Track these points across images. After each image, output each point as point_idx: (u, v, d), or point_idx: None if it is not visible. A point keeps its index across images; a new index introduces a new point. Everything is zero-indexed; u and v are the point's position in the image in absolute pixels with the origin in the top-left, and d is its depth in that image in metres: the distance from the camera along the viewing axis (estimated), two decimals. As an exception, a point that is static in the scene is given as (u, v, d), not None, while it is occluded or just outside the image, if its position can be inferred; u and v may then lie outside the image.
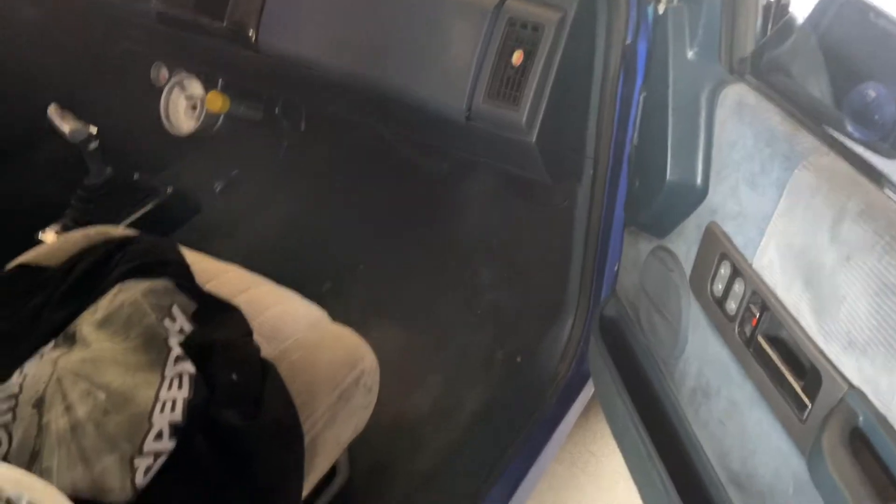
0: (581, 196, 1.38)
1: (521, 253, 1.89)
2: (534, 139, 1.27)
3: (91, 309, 1.05)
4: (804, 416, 0.75)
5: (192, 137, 1.82)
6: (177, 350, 0.99)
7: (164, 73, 1.92)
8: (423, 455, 1.43)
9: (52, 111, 1.66)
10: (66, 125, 1.65)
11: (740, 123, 0.93)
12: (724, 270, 0.92)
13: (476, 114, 1.29)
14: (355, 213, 1.99)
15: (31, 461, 0.86)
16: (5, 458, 0.86)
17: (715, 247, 0.95)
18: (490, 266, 1.85)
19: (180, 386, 0.95)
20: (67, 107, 1.68)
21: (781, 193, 0.82)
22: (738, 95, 0.96)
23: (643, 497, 1.14)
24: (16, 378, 0.95)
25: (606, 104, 1.27)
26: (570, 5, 1.21)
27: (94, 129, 1.69)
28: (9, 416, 0.90)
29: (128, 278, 1.10)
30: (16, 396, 0.92)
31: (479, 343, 1.67)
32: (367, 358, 1.15)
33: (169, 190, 1.95)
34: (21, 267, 1.16)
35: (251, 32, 1.49)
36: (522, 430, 1.43)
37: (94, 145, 1.71)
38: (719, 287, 0.93)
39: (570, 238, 1.44)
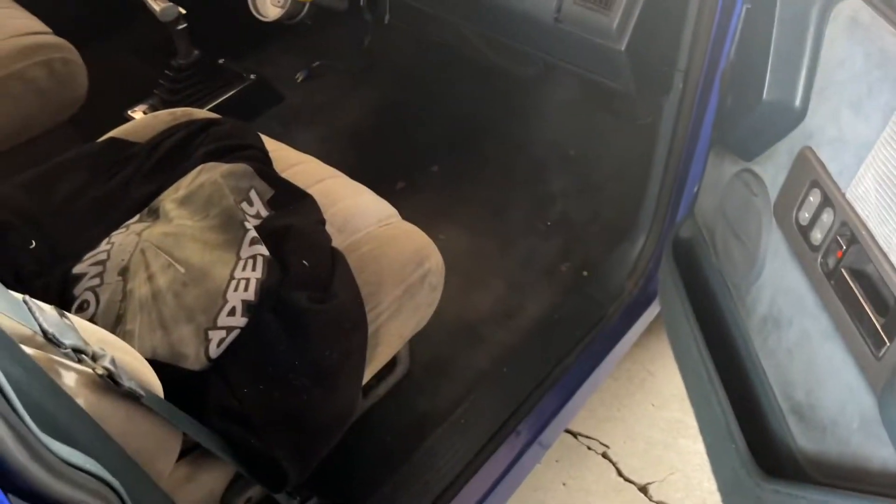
0: (667, 111, 1.33)
1: (598, 165, 1.85)
2: (624, 47, 1.22)
3: (174, 186, 1.09)
4: (881, 354, 0.72)
5: (277, 24, 1.82)
6: (252, 233, 1.02)
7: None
8: (480, 355, 1.46)
9: (145, -13, 1.67)
10: (157, 3, 1.67)
11: (851, 42, 0.86)
12: (814, 198, 0.88)
13: (566, 15, 1.24)
14: (434, 113, 1.97)
15: (115, 323, 0.92)
16: (92, 319, 0.92)
17: (806, 173, 0.90)
18: (564, 176, 1.82)
19: (254, 267, 0.98)
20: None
21: (888, 119, 0.76)
22: (852, 11, 0.89)
23: (699, 418, 1.14)
24: (104, 246, 1.01)
25: (705, 14, 1.19)
26: None
27: (183, 10, 1.70)
28: (97, 281, 0.96)
29: (210, 159, 1.13)
30: (103, 263, 0.98)
31: (546, 253, 1.66)
32: (434, 257, 1.16)
33: (252, 77, 1.97)
34: (112, 140, 1.20)
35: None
36: (582, 342, 1.44)
37: (182, 26, 1.73)
38: (806, 215, 0.89)
39: (652, 154, 1.39)
